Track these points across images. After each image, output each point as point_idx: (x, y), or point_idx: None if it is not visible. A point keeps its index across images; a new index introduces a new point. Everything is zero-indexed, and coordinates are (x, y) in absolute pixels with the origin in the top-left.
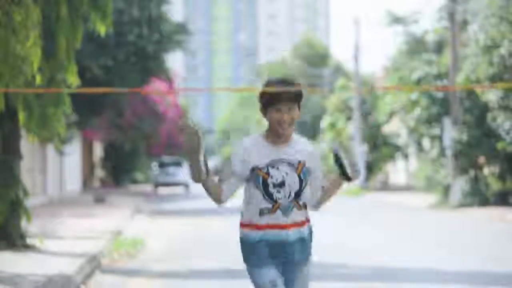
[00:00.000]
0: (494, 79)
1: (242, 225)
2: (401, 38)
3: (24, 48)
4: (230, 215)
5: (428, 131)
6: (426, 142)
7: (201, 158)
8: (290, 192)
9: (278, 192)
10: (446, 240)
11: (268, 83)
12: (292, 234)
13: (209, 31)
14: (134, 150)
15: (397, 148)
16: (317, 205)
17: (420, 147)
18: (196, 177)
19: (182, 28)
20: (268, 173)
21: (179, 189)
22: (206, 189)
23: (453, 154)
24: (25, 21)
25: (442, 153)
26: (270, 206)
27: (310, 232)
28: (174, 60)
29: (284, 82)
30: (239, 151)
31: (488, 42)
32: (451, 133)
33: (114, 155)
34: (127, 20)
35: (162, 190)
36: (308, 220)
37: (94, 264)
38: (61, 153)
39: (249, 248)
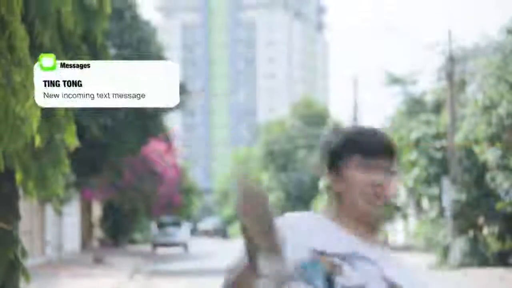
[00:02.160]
0: (492, 139)
1: None
2: (400, 98)
3: (24, 109)
4: None
5: (427, 191)
6: (425, 202)
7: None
8: None
9: None
10: None
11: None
12: None
13: (207, 90)
14: (133, 210)
15: (396, 208)
16: None
17: (419, 207)
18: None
19: (181, 88)
20: (338, 267)
21: (177, 250)
22: None
23: (452, 214)
24: (24, 81)
25: (441, 213)
26: None
27: None
28: (173, 120)
29: (373, 133)
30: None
31: (487, 102)
32: (450, 193)
33: (113, 215)
34: None
35: (161, 250)
36: None
37: None
38: (59, 213)
39: None
